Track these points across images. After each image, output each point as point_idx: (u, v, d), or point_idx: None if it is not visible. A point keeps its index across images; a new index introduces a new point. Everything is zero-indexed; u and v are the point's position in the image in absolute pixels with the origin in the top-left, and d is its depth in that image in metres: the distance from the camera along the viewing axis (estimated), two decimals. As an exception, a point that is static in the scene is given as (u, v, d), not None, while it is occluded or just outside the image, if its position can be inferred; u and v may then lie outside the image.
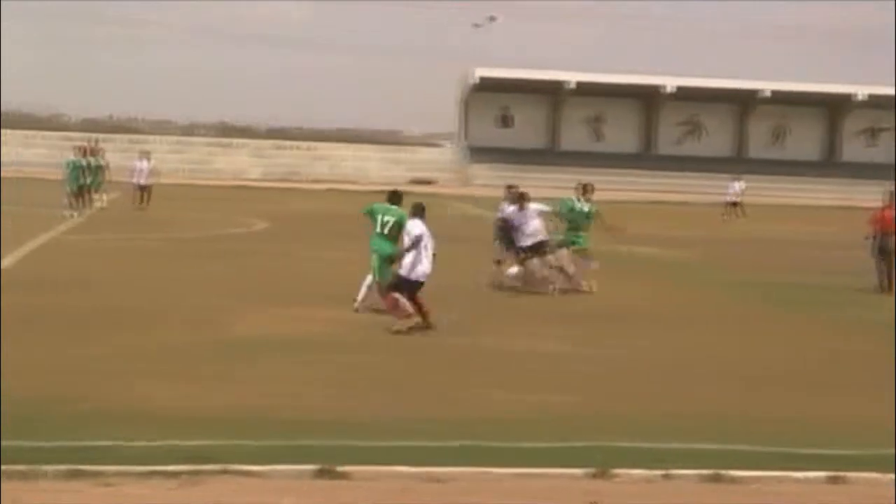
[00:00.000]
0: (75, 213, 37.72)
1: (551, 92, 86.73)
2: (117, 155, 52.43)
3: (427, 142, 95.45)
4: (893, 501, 9.59)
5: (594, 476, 9.95)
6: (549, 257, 22.37)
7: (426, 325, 17.20)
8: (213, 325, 17.25)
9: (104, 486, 9.33)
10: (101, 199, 42.19)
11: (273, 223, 38.61)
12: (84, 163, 40.02)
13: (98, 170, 41.34)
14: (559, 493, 9.64)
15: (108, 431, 10.64)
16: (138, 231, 33.37)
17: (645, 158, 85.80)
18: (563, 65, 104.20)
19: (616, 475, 9.98)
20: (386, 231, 18.56)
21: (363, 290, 18.89)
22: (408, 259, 17.31)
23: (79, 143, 44.20)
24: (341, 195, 60.46)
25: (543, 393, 13.37)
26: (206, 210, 43.93)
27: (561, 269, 22.33)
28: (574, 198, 23.21)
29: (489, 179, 73.86)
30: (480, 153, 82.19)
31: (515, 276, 22.37)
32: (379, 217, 18.78)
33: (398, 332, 16.76)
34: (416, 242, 17.30)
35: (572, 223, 22.94)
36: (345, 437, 10.78)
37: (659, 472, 10.02)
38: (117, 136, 77.93)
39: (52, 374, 13.37)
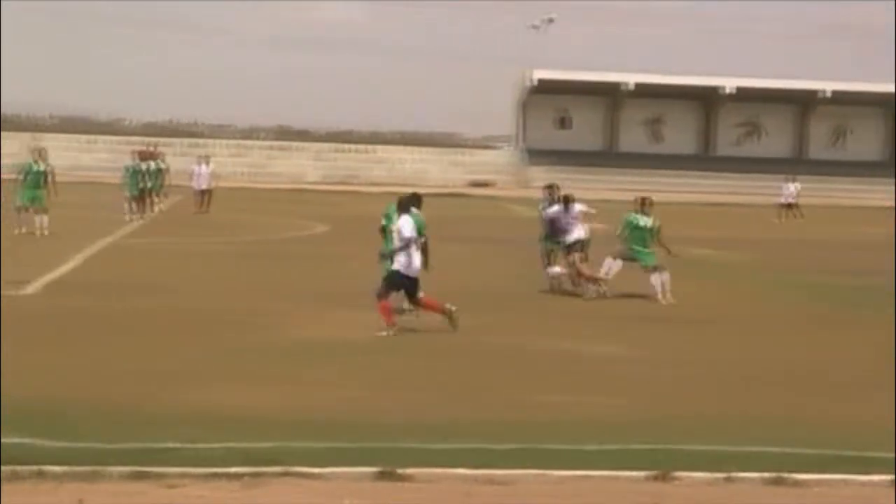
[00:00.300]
0: (135, 217, 38.03)
1: (609, 93, 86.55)
2: (178, 159, 52.77)
3: (485, 144, 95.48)
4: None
5: (655, 479, 9.91)
6: (577, 255, 22.19)
7: (452, 322, 17.12)
8: (275, 328, 17.32)
9: (167, 487, 9.42)
10: (161, 203, 42.52)
11: (332, 226, 38.75)
12: (143, 167, 40.28)
13: (158, 174, 41.64)
14: (620, 496, 9.61)
15: (171, 433, 10.73)
16: (198, 235, 33.60)
17: (703, 160, 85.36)
18: (621, 66, 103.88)
19: (677, 478, 9.93)
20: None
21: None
22: (402, 257, 17.25)
23: (136, 148, 44.55)
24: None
25: (602, 395, 13.34)
26: (265, 213, 44.16)
27: (590, 276, 22.09)
28: (634, 214, 22.51)
29: (547, 181, 73.66)
30: (538, 155, 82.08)
31: (559, 276, 22.17)
32: (413, 223, 18.48)
33: (385, 335, 16.66)
34: (408, 244, 17.25)
35: (637, 240, 22.19)
36: (406, 440, 10.81)
37: (721, 475, 9.96)
38: (177, 140, 78.56)
39: (115, 377, 13.50)
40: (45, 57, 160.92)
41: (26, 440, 10.32)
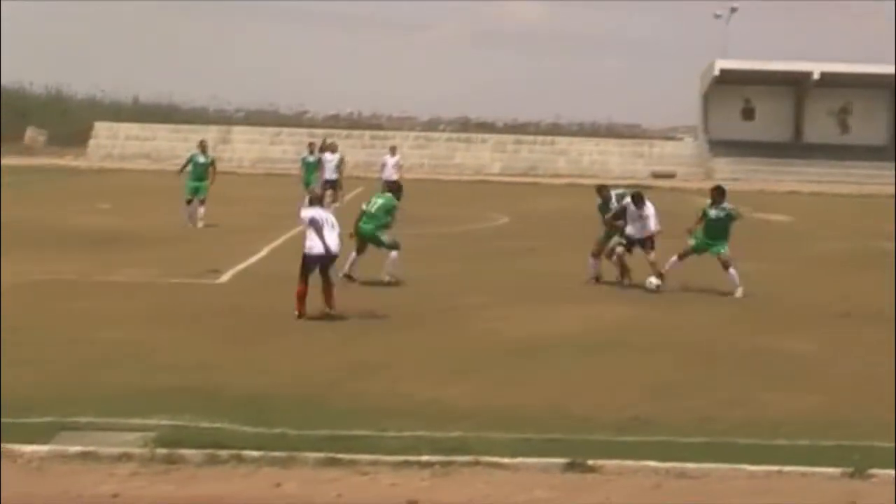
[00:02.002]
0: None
1: (794, 83, 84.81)
2: (362, 151, 53.46)
3: (667, 135, 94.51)
4: None
5: (851, 476, 9.74)
6: (652, 253, 21.76)
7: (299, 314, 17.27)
8: (470, 321, 17.34)
9: (360, 474, 9.57)
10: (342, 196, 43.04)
11: (513, 218, 38.78)
12: (314, 159, 40.76)
13: (338, 165, 42.11)
14: (814, 493, 9.47)
15: (363, 422, 10.89)
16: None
17: (894, 151, 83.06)
18: (807, 55, 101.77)
19: (873, 475, 9.75)
20: (373, 210, 21.58)
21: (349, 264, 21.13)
22: (307, 241, 17.98)
23: (309, 140, 45.22)
24: (582, 190, 60.31)
25: (794, 391, 13.12)
26: (449, 205, 44.36)
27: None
28: (708, 204, 21.90)
29: (731, 173, 72.76)
30: (722, 146, 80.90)
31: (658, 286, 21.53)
32: (372, 199, 21.95)
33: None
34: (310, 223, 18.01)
35: (707, 231, 21.67)
36: (595, 432, 10.79)
37: (919, 474, 9.74)
38: (358, 133, 79.61)
39: (307, 365, 13.76)
40: (234, 53, 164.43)
41: (224, 425, 10.60)
